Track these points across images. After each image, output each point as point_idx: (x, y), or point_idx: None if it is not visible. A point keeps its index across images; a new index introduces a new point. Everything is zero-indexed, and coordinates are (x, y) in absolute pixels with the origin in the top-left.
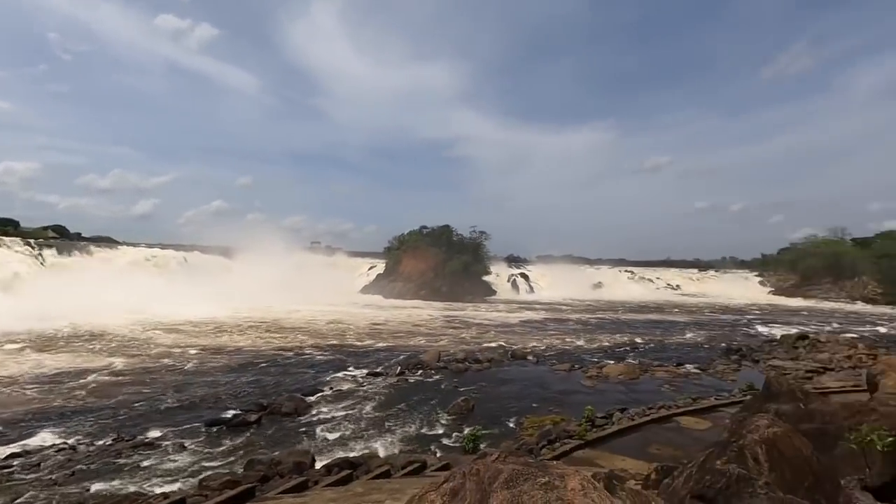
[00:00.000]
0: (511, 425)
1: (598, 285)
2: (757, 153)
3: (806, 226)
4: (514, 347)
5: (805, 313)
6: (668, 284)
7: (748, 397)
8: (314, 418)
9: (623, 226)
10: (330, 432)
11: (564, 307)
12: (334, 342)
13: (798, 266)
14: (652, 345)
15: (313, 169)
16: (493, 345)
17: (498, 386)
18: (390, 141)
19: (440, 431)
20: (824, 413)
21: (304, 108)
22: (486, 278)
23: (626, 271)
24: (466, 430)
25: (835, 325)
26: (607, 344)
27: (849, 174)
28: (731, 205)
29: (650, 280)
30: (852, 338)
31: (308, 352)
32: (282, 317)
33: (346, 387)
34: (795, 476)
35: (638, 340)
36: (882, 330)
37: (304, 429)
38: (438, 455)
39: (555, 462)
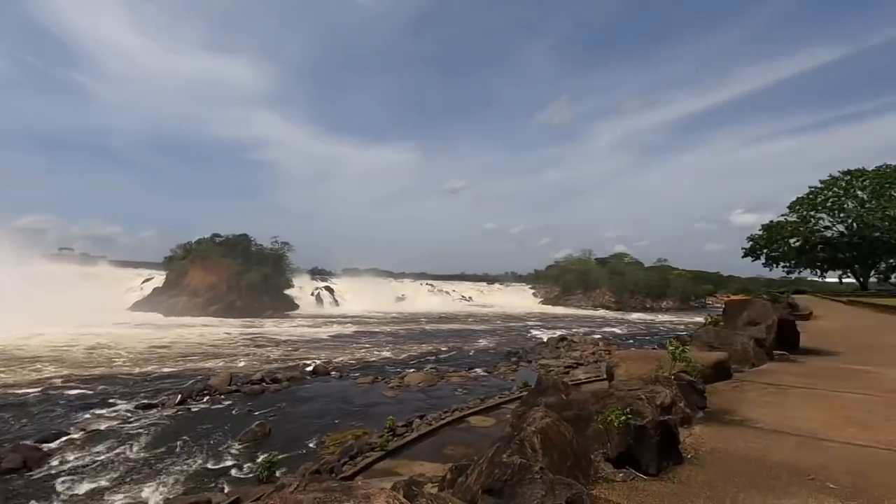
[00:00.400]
0: (312, 445)
1: (402, 298)
2: (532, 184)
3: (566, 247)
4: (317, 363)
5: (568, 319)
6: (463, 296)
7: (524, 393)
8: (55, 470)
9: (425, 241)
10: (78, 485)
11: (371, 320)
12: (97, 372)
13: (560, 280)
14: (454, 352)
15: (67, 157)
16: (307, 362)
17: (298, 405)
18: (177, 134)
19: (230, 463)
20: (579, 401)
21: (54, 81)
22: (288, 292)
23: (426, 284)
24: (261, 458)
25: (585, 328)
26: (411, 354)
27: (593, 207)
28: (512, 227)
29: (447, 292)
30: (596, 337)
31: (56, 386)
32: (14, 344)
33: (105, 425)
34: (561, 458)
35: (440, 349)
36: (617, 331)
37: (38, 486)
38: (226, 490)
39: (360, 482)
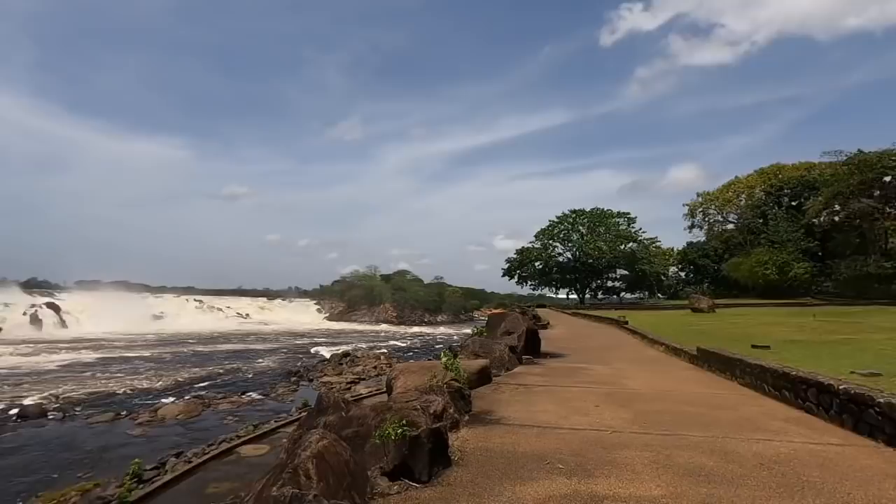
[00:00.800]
0: None
1: (161, 316)
2: (322, 198)
3: (353, 263)
4: (27, 402)
5: (353, 334)
6: (239, 313)
7: (304, 414)
8: None
9: (195, 251)
10: None
11: (118, 344)
12: None
13: (346, 295)
14: (228, 376)
15: None
16: (16, 402)
17: None
18: None
19: None
20: (359, 417)
21: None
22: None
23: (194, 300)
24: None
25: (369, 343)
26: (174, 380)
27: (381, 225)
28: (298, 240)
29: (220, 309)
30: (379, 352)
31: None
32: None
33: None
34: (338, 481)
35: (212, 372)
36: (399, 344)
37: None
38: None
39: None
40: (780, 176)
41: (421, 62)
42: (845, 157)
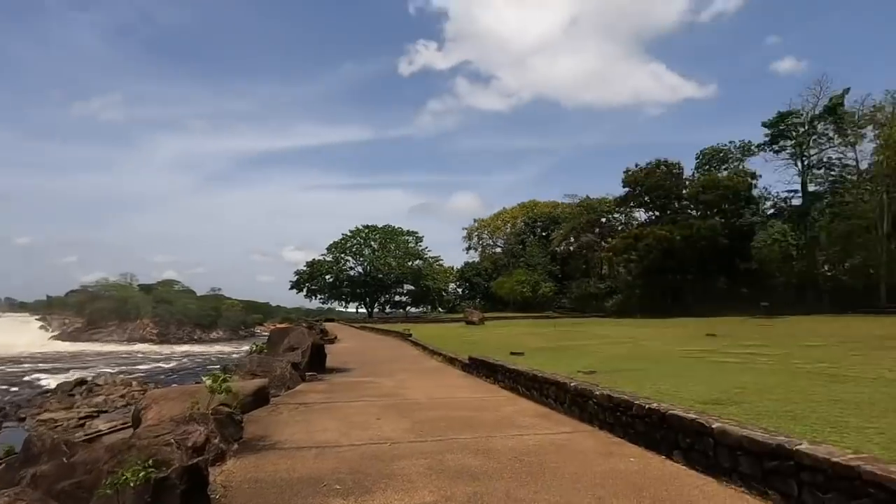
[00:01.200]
0: None
1: None
2: (58, 185)
3: (100, 269)
4: None
5: (96, 357)
6: None
7: (2, 466)
8: None
9: None
10: None
11: None
12: None
13: (87, 309)
14: None
15: None
16: None
17: None
18: None
19: None
20: (88, 462)
21: None
22: None
23: None
24: None
25: (119, 366)
26: None
27: (142, 226)
28: (16, 237)
29: None
30: (129, 377)
31: None
32: None
33: None
34: None
35: None
36: (162, 366)
37: None
38: None
39: None
40: (535, 210)
41: (206, 46)
42: (578, 200)
